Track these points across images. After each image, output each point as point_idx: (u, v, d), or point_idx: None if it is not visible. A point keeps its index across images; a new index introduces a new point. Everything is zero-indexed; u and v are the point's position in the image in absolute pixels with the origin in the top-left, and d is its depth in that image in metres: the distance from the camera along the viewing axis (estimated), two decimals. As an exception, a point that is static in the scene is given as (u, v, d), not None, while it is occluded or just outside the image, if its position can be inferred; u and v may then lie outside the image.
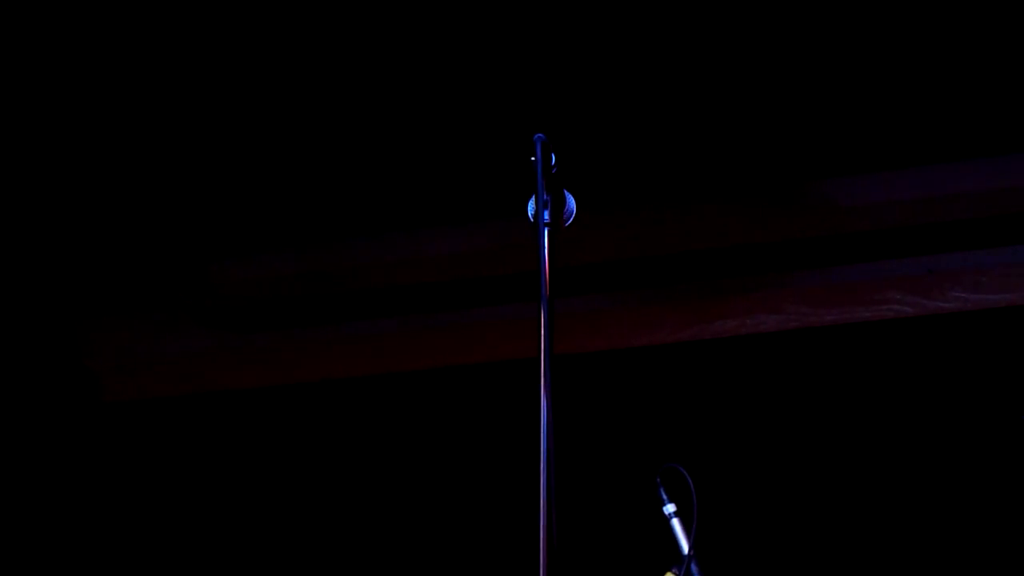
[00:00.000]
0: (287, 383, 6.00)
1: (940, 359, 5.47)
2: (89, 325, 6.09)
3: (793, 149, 5.28)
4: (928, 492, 5.37)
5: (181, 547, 5.92)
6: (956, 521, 5.32)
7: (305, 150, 5.41)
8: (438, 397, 5.87)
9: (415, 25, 4.80)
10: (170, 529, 5.95)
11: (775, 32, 4.78)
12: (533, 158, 2.66)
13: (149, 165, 5.48)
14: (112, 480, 6.02)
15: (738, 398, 5.61)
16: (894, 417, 5.48)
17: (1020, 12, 4.61)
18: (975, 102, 5.01)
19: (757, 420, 5.57)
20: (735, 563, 5.12)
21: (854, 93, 5.01)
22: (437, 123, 5.19)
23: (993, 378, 5.39)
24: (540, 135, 2.67)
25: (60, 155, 5.42)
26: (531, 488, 2.51)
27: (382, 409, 5.93)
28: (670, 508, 3.38)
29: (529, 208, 2.67)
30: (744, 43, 4.83)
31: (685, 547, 3.32)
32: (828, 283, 5.58)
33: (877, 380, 5.52)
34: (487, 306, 5.82)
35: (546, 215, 2.65)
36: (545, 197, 2.64)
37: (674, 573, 3.32)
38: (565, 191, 2.71)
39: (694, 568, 3.29)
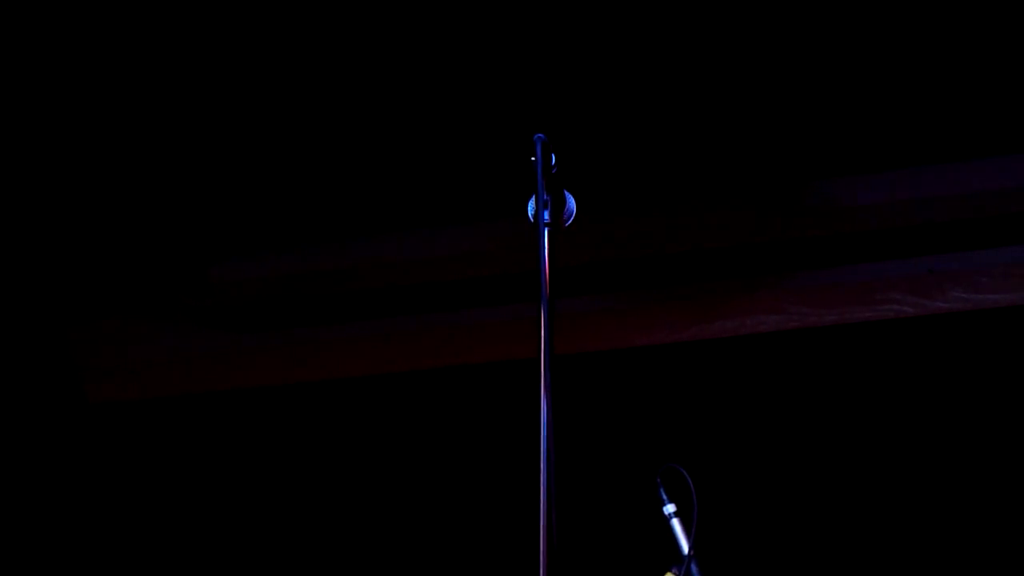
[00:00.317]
0: (287, 383, 6.00)
1: (940, 359, 5.46)
2: (88, 325, 6.09)
3: (793, 149, 5.28)
4: (928, 492, 5.37)
5: (182, 547, 5.92)
6: (956, 521, 5.32)
7: (305, 150, 5.41)
8: (438, 397, 5.87)
9: (415, 25, 4.80)
10: (171, 529, 5.95)
11: (776, 33, 4.78)
12: (533, 158, 2.66)
13: (148, 165, 5.48)
14: (111, 480, 6.02)
15: (738, 398, 5.61)
16: (894, 417, 5.48)
17: (1020, 12, 4.61)
18: (975, 102, 5.01)
19: (757, 420, 5.57)
20: (735, 563, 5.12)
21: (854, 93, 5.01)
22: (437, 123, 5.19)
23: (993, 378, 5.39)
24: (540, 135, 2.67)
25: (58, 155, 5.42)
26: (531, 488, 2.51)
27: (382, 409, 5.93)
28: (670, 508, 3.38)
29: (529, 208, 2.67)
30: (745, 44, 4.83)
31: (685, 547, 3.33)
32: (828, 283, 5.58)
33: (877, 380, 5.52)
34: (487, 306, 5.82)
35: (546, 215, 2.65)
36: (545, 197, 2.64)
37: (674, 573, 3.32)
38: (565, 191, 2.72)
39: (694, 568, 3.29)
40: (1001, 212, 5.34)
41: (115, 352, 6.09)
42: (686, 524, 3.33)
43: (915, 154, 5.30)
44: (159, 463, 6.01)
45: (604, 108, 5.07)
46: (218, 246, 5.87)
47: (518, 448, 2.87)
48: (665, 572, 3.34)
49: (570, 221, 2.72)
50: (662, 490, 3.38)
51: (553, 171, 2.67)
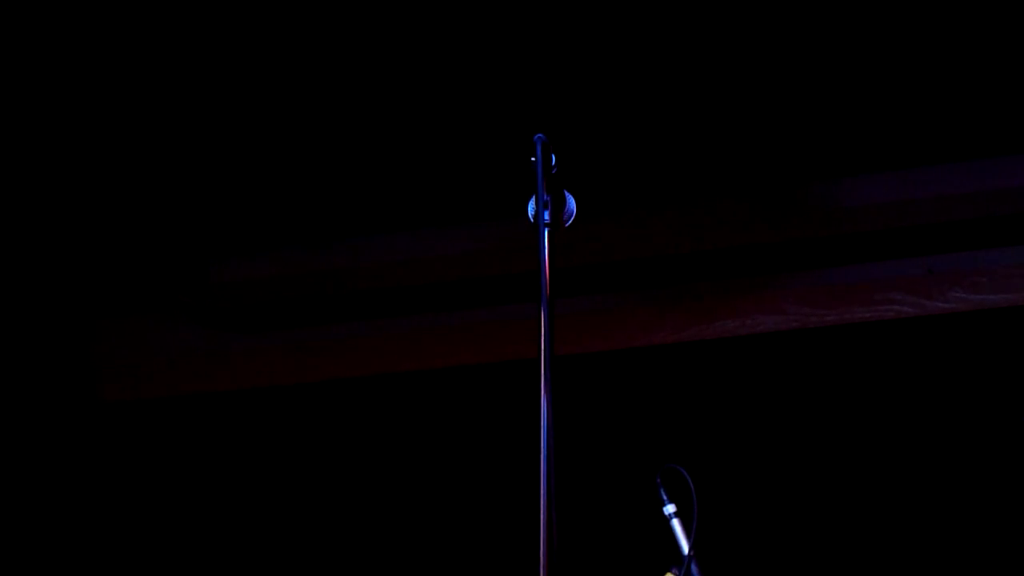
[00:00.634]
0: (287, 383, 6.00)
1: (940, 359, 5.47)
2: (87, 326, 6.09)
3: (793, 150, 5.28)
4: (928, 492, 5.37)
5: (182, 547, 5.92)
6: (956, 521, 5.32)
7: (306, 150, 5.41)
8: (438, 397, 5.87)
9: (415, 25, 4.80)
10: (171, 529, 5.95)
11: (777, 34, 4.78)
12: (533, 158, 2.66)
13: (148, 166, 5.48)
14: (111, 480, 6.02)
15: (738, 398, 5.61)
16: (894, 417, 5.48)
17: (1020, 12, 4.61)
18: (975, 103, 5.01)
19: (757, 420, 5.58)
20: (735, 563, 5.12)
21: (854, 94, 5.01)
22: (437, 123, 5.19)
23: (993, 378, 5.39)
24: (540, 135, 2.67)
25: (58, 155, 5.42)
26: (531, 488, 2.51)
27: (383, 409, 5.93)
28: (670, 508, 3.38)
29: (529, 208, 2.67)
30: (746, 45, 4.83)
31: (685, 547, 3.33)
32: (828, 283, 5.58)
33: (877, 381, 5.52)
34: (487, 306, 5.82)
35: (546, 215, 2.65)
36: (545, 197, 2.65)
37: (674, 573, 3.33)
38: (565, 191, 2.72)
39: (694, 568, 3.29)
40: (1001, 212, 5.34)
41: (112, 353, 6.09)
42: (686, 524, 3.33)
43: (915, 154, 5.30)
44: (158, 463, 6.01)
45: (604, 109, 5.07)
46: (218, 246, 5.87)
47: (518, 448, 2.87)
48: (665, 572, 3.34)
49: (570, 221, 2.72)
50: (662, 490, 3.38)
51: (553, 171, 2.67)
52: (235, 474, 5.96)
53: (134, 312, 6.07)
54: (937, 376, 5.44)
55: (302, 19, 4.79)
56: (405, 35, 4.83)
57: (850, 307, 5.55)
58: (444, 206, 5.62)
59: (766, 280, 5.60)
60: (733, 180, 5.45)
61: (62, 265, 5.84)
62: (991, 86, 4.93)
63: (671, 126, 5.16)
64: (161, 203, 5.66)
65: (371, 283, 5.86)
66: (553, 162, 2.67)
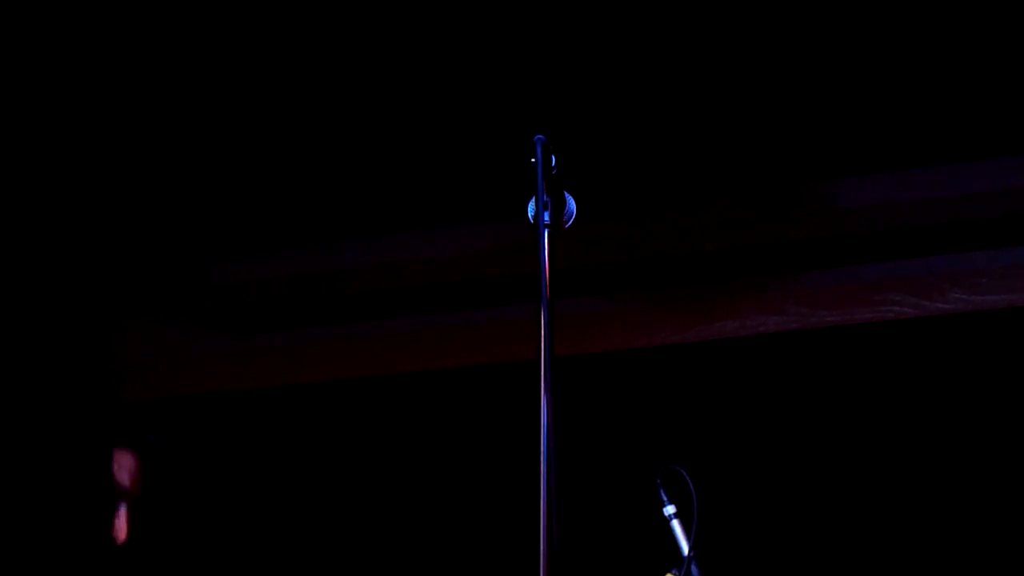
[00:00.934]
0: (287, 384, 6.00)
1: (940, 360, 5.47)
2: (102, 326, 6.10)
3: (793, 150, 5.28)
4: (928, 492, 5.37)
5: (180, 547, 5.92)
6: (956, 521, 5.32)
7: (306, 151, 5.41)
8: (438, 398, 5.87)
9: (415, 26, 4.80)
10: (170, 529, 5.95)
11: (777, 34, 4.78)
12: (533, 159, 2.66)
13: (148, 166, 5.48)
14: (110, 480, 6.01)
15: (739, 399, 5.61)
16: (895, 418, 5.48)
17: (1020, 12, 4.61)
18: (975, 103, 5.01)
19: (758, 421, 5.58)
20: (735, 564, 5.12)
21: (854, 94, 5.01)
22: (438, 124, 5.19)
23: (993, 379, 5.39)
24: (540, 136, 2.67)
25: (58, 156, 5.42)
26: (531, 488, 2.51)
27: (383, 410, 5.93)
28: (670, 509, 3.38)
29: (529, 209, 2.67)
30: (746, 45, 4.83)
31: (685, 548, 3.33)
32: (829, 284, 5.58)
33: (878, 381, 5.52)
34: (488, 307, 5.82)
35: (546, 216, 2.65)
36: (545, 198, 2.64)
37: (674, 574, 3.33)
38: (565, 192, 2.72)
39: (694, 569, 3.29)
40: (1001, 212, 5.34)
41: (113, 353, 6.09)
42: (686, 525, 3.33)
43: (915, 155, 5.30)
44: (154, 466, 6.01)
45: (604, 109, 5.07)
46: (219, 247, 5.87)
47: (518, 448, 2.87)
48: (665, 573, 3.34)
49: (570, 222, 2.72)
50: (662, 491, 3.38)
51: (553, 172, 2.67)
52: (234, 475, 5.96)
53: (132, 313, 6.07)
54: (938, 376, 5.44)
55: (301, 19, 4.79)
56: (404, 36, 4.83)
57: (850, 307, 5.55)
58: (444, 206, 5.62)
59: (766, 280, 5.60)
60: (733, 180, 5.45)
61: (59, 267, 5.84)
62: (991, 86, 4.93)
63: (671, 126, 5.16)
64: (161, 204, 5.66)
65: (371, 284, 5.86)
66: (553, 163, 2.67)
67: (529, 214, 2.67)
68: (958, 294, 5.44)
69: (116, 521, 3.57)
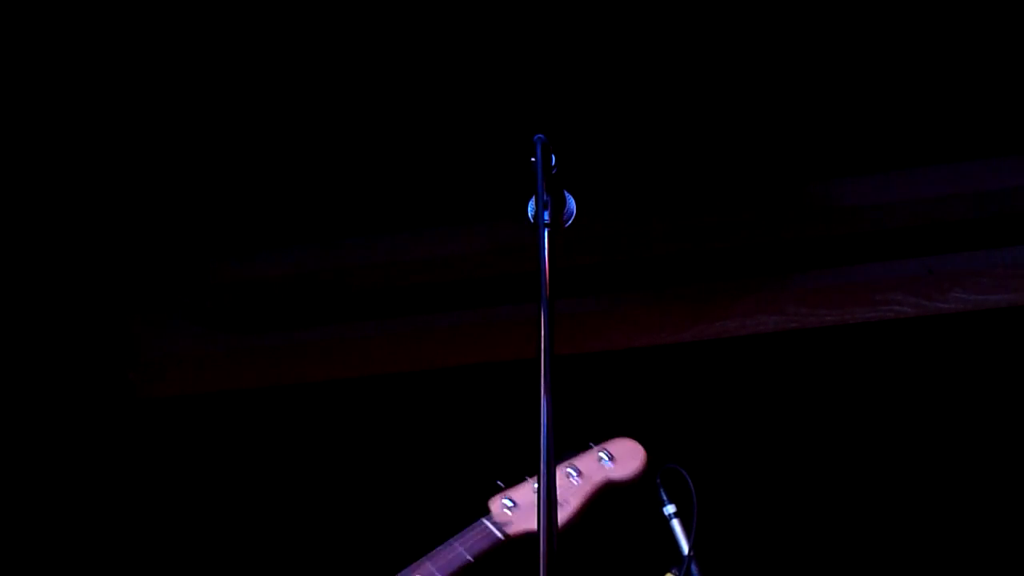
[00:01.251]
0: (287, 383, 5.99)
1: (940, 360, 5.46)
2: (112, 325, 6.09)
3: (793, 150, 5.28)
4: (928, 492, 5.37)
5: (179, 547, 5.92)
6: (956, 521, 5.32)
7: (306, 151, 5.41)
8: (438, 397, 5.87)
9: (415, 27, 4.80)
10: (169, 529, 5.95)
11: (777, 34, 4.78)
12: (533, 159, 2.66)
13: (148, 166, 5.48)
14: (107, 479, 6.01)
15: (738, 399, 5.61)
16: (894, 417, 5.48)
17: (1020, 12, 4.61)
18: (975, 103, 5.01)
19: (757, 421, 5.57)
20: (735, 563, 5.12)
21: (854, 94, 5.01)
22: (438, 124, 5.19)
23: (993, 378, 5.39)
24: (540, 136, 2.67)
25: (58, 156, 5.42)
26: (531, 489, 2.50)
27: (383, 410, 5.93)
28: (670, 509, 3.38)
29: (529, 209, 2.67)
30: (746, 45, 4.83)
31: (685, 548, 3.33)
32: (828, 284, 5.58)
33: (877, 381, 5.52)
34: (488, 307, 5.82)
35: (546, 216, 2.65)
36: (545, 198, 2.64)
37: (674, 574, 3.32)
38: (565, 192, 2.72)
39: (694, 569, 3.29)
40: (1001, 212, 5.34)
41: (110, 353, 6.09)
42: (686, 525, 3.33)
43: (915, 154, 5.30)
44: (156, 464, 6.01)
45: (604, 109, 5.07)
46: (219, 247, 5.87)
47: (518, 448, 2.87)
48: (665, 573, 3.34)
49: (570, 222, 2.72)
50: (662, 491, 3.38)
51: (553, 172, 2.67)
52: (234, 474, 5.96)
53: (131, 313, 6.07)
54: (937, 376, 5.44)
55: (301, 19, 4.79)
56: (404, 37, 4.83)
57: (850, 307, 5.55)
58: (445, 206, 5.62)
59: (766, 280, 5.60)
60: (733, 180, 5.45)
61: (58, 267, 5.84)
62: (991, 87, 4.93)
63: (671, 127, 5.16)
64: (161, 204, 5.66)
65: (371, 284, 5.86)
66: (553, 162, 2.67)
67: (529, 214, 2.67)
68: (958, 294, 5.44)
69: None
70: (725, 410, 5.61)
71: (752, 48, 4.83)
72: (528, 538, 3.39)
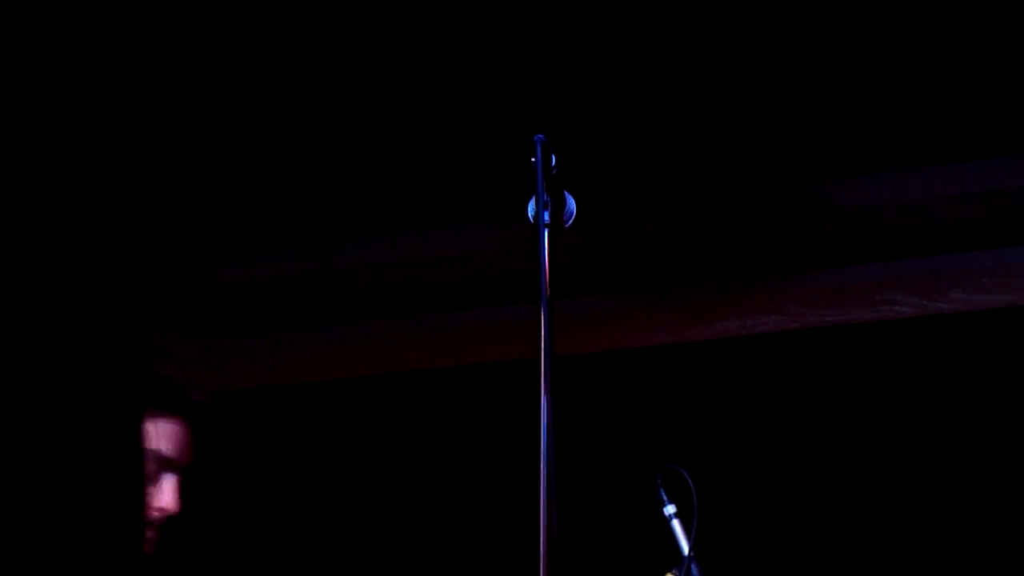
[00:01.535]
0: (286, 384, 6.00)
1: (940, 360, 5.47)
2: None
3: (793, 150, 5.28)
4: (928, 492, 5.38)
5: (179, 548, 5.91)
6: (956, 521, 5.32)
7: (306, 151, 5.41)
8: (438, 397, 5.87)
9: (415, 27, 4.80)
10: (169, 529, 5.94)
11: (777, 34, 4.78)
12: (533, 159, 2.66)
13: (147, 167, 5.48)
14: (109, 480, 6.01)
15: (738, 399, 5.61)
16: (895, 418, 5.48)
17: (1020, 12, 4.61)
18: (976, 103, 5.01)
19: (757, 421, 5.58)
20: (735, 563, 5.12)
21: (854, 94, 5.01)
22: (438, 124, 5.19)
23: (993, 378, 5.39)
24: (540, 136, 2.67)
25: (57, 155, 5.42)
26: (531, 488, 2.51)
27: (382, 410, 5.93)
28: (670, 509, 3.38)
29: (529, 209, 2.67)
30: (746, 45, 4.83)
31: (685, 548, 3.33)
32: (828, 284, 5.58)
33: (878, 381, 5.52)
34: (488, 306, 5.82)
35: (546, 216, 2.65)
36: (545, 198, 2.64)
37: (674, 574, 3.32)
38: (565, 192, 2.72)
39: (694, 569, 3.29)
40: (1001, 212, 5.34)
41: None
42: (686, 525, 3.33)
43: (915, 154, 5.30)
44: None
45: (604, 109, 5.07)
46: (219, 247, 5.87)
47: (518, 448, 2.87)
48: (665, 573, 3.34)
49: (570, 222, 2.72)
50: (662, 491, 3.38)
51: (553, 172, 2.67)
52: (234, 474, 5.96)
53: (133, 312, 6.06)
54: (938, 376, 5.45)
55: (300, 19, 4.79)
56: (404, 37, 4.83)
57: (850, 307, 5.55)
58: (444, 207, 5.62)
59: (766, 280, 5.60)
60: (733, 180, 5.45)
61: (55, 267, 5.83)
62: (991, 86, 4.93)
63: (671, 126, 5.16)
64: (160, 205, 5.65)
65: (371, 284, 5.86)
66: (553, 162, 2.67)
67: (529, 214, 2.67)
68: (958, 294, 5.44)
69: (162, 496, 3.39)
70: (725, 410, 5.61)
71: (752, 47, 4.83)
72: None
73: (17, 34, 4.84)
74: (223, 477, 5.97)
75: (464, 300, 5.83)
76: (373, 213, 5.67)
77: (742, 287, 5.60)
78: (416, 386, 5.90)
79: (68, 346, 5.75)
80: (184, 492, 3.36)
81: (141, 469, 3.54)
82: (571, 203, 2.72)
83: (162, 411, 3.29)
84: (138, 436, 3.57)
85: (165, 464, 3.27)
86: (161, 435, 3.28)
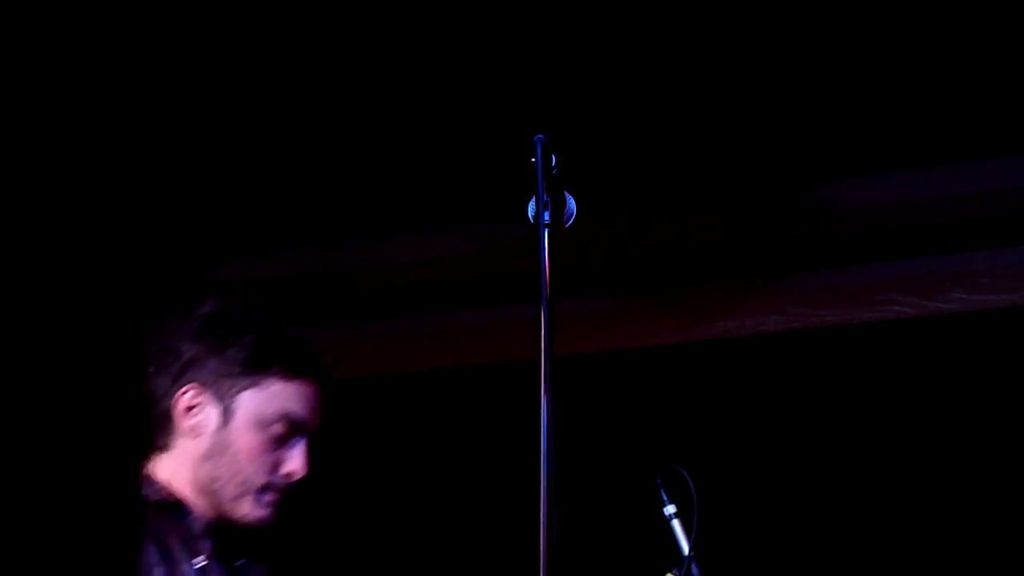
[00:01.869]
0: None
1: (941, 360, 5.47)
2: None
3: (793, 150, 5.29)
4: (928, 492, 5.38)
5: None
6: (956, 522, 5.32)
7: (305, 151, 5.41)
8: (439, 397, 5.87)
9: (415, 27, 4.80)
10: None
11: (778, 34, 4.78)
12: (533, 159, 2.66)
13: (146, 167, 5.48)
14: (109, 480, 6.00)
15: (739, 399, 5.61)
16: (895, 418, 5.48)
17: (1019, 12, 4.61)
18: (974, 103, 5.01)
19: (758, 421, 5.58)
20: (735, 564, 5.12)
21: (854, 95, 5.01)
22: (437, 124, 5.20)
23: (993, 379, 5.39)
24: (540, 136, 2.67)
25: (57, 155, 5.42)
26: (531, 488, 2.51)
27: (383, 410, 5.93)
28: (670, 509, 3.38)
29: (529, 209, 2.67)
30: (746, 45, 4.83)
31: (685, 548, 3.32)
32: (829, 284, 5.59)
33: (878, 381, 5.52)
34: (488, 306, 5.82)
35: (546, 216, 2.65)
36: (545, 198, 2.64)
37: (674, 574, 3.32)
38: (565, 192, 2.72)
39: (694, 569, 3.29)
40: (1001, 212, 5.35)
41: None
42: (686, 525, 3.33)
43: (915, 155, 5.30)
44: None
45: (604, 109, 5.07)
46: (218, 247, 5.87)
47: (518, 448, 2.87)
48: (665, 573, 3.34)
49: (570, 222, 2.72)
50: (662, 491, 3.38)
51: (553, 172, 2.67)
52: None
53: (133, 313, 6.06)
54: (938, 376, 5.45)
55: (300, 19, 4.79)
56: (403, 37, 4.83)
57: (851, 307, 5.55)
58: (444, 207, 5.62)
59: (766, 280, 5.60)
60: (734, 180, 5.46)
61: (54, 266, 5.84)
62: (991, 87, 4.93)
63: (671, 126, 5.17)
64: (158, 203, 5.66)
65: (371, 284, 5.86)
66: (553, 163, 2.67)
67: (529, 214, 2.67)
68: (958, 294, 5.44)
69: (291, 460, 3.36)
70: (726, 410, 5.61)
71: (752, 47, 4.83)
72: None
73: (17, 34, 4.84)
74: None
75: (464, 300, 5.83)
76: (373, 213, 5.68)
77: (742, 287, 5.61)
78: (416, 386, 5.89)
79: (66, 346, 5.75)
80: (313, 457, 3.33)
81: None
82: (571, 203, 2.72)
83: (294, 372, 3.25)
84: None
85: (296, 427, 3.23)
86: (293, 397, 3.24)
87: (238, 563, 3.40)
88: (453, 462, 5.83)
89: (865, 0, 4.65)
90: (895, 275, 5.52)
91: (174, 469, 3.33)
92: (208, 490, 3.30)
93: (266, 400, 3.30)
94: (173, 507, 3.30)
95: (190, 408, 3.30)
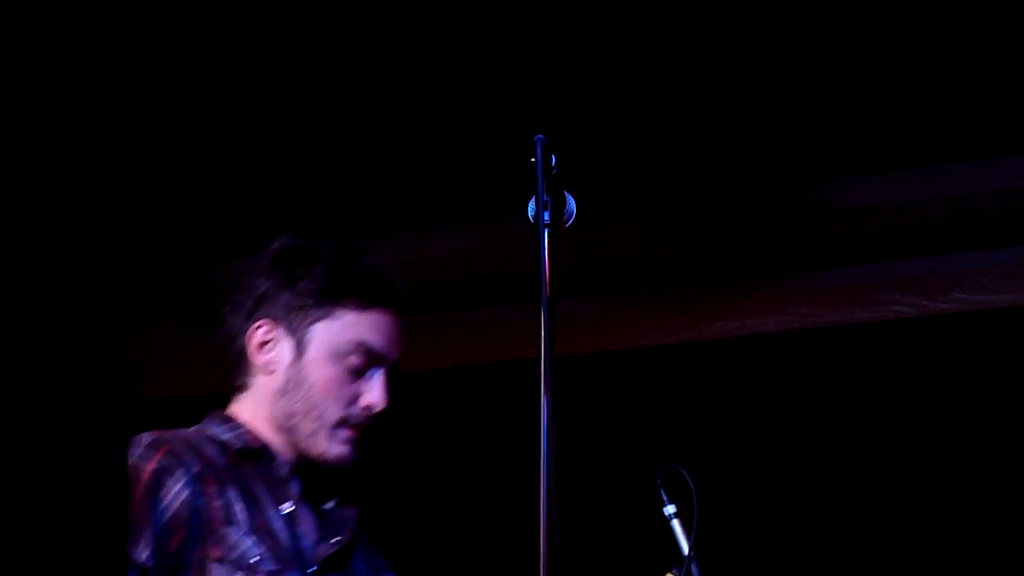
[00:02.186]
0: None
1: (940, 360, 5.47)
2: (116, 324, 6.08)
3: (793, 150, 5.29)
4: (928, 492, 5.38)
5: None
6: (956, 521, 5.32)
7: (305, 152, 5.41)
8: (439, 397, 5.87)
9: (415, 26, 4.80)
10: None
11: (778, 34, 4.78)
12: (533, 159, 2.66)
13: (145, 167, 5.48)
14: (109, 480, 6.00)
15: (739, 399, 5.61)
16: (894, 418, 5.48)
17: (1019, 13, 4.61)
18: (975, 103, 5.01)
19: (758, 421, 5.58)
20: (735, 564, 5.12)
21: (853, 95, 5.01)
22: (437, 124, 5.19)
23: (993, 379, 5.39)
24: (540, 136, 2.67)
25: (57, 154, 5.41)
26: (531, 488, 2.51)
27: (383, 410, 5.92)
28: (670, 509, 3.38)
29: (529, 209, 2.67)
30: (746, 46, 4.83)
31: (685, 548, 3.32)
32: (829, 284, 5.59)
33: (877, 381, 5.52)
34: (488, 306, 5.82)
35: (546, 216, 2.65)
36: (545, 198, 2.64)
37: (674, 574, 3.32)
38: (565, 192, 2.72)
39: (694, 569, 3.29)
40: (1001, 212, 5.35)
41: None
42: (686, 525, 3.33)
43: (915, 155, 5.30)
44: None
45: (604, 109, 5.07)
46: (218, 246, 5.86)
47: (518, 448, 2.87)
48: (665, 573, 3.34)
49: (570, 222, 2.72)
50: (662, 491, 3.38)
51: (553, 172, 2.67)
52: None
53: (132, 312, 6.07)
54: (937, 377, 5.45)
55: (300, 19, 4.79)
56: (403, 37, 4.83)
57: (850, 307, 5.55)
58: (444, 207, 5.62)
59: (766, 280, 5.60)
60: (734, 181, 5.45)
61: (52, 266, 5.82)
62: (991, 87, 4.93)
63: (671, 126, 5.16)
64: (158, 203, 5.65)
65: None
66: (553, 163, 2.67)
67: (529, 214, 2.67)
68: (958, 294, 5.44)
69: (370, 392, 3.29)
70: (725, 410, 5.61)
71: (752, 47, 4.83)
72: None
73: (17, 34, 4.83)
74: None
75: (464, 300, 5.83)
76: (373, 213, 5.67)
77: (742, 287, 5.61)
78: (416, 386, 5.89)
79: (65, 346, 5.74)
80: (392, 389, 3.26)
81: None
82: (571, 203, 2.72)
83: (368, 302, 3.18)
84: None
85: (373, 358, 3.16)
86: (367, 327, 3.17)
87: (327, 506, 3.33)
88: (453, 462, 5.82)
89: (866, 1, 4.64)
90: (895, 275, 5.52)
91: (253, 408, 3.26)
92: (285, 427, 3.22)
93: (339, 331, 3.21)
94: (258, 453, 3.20)
95: (263, 344, 3.24)
